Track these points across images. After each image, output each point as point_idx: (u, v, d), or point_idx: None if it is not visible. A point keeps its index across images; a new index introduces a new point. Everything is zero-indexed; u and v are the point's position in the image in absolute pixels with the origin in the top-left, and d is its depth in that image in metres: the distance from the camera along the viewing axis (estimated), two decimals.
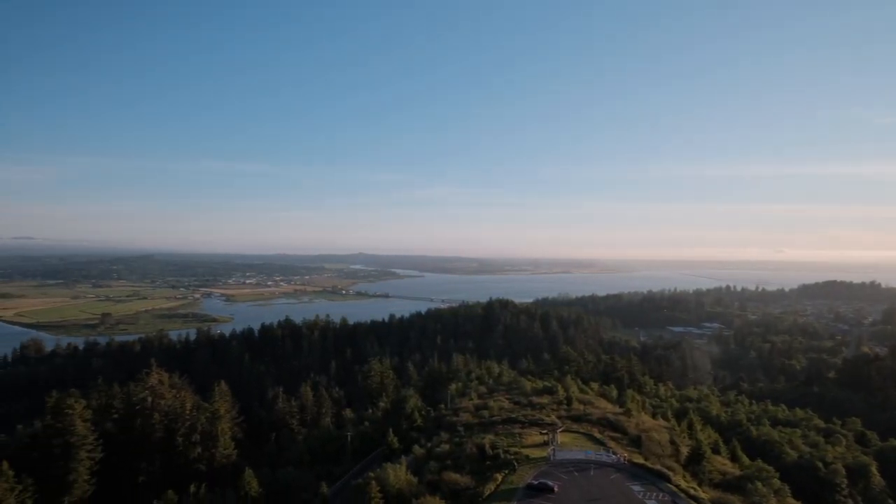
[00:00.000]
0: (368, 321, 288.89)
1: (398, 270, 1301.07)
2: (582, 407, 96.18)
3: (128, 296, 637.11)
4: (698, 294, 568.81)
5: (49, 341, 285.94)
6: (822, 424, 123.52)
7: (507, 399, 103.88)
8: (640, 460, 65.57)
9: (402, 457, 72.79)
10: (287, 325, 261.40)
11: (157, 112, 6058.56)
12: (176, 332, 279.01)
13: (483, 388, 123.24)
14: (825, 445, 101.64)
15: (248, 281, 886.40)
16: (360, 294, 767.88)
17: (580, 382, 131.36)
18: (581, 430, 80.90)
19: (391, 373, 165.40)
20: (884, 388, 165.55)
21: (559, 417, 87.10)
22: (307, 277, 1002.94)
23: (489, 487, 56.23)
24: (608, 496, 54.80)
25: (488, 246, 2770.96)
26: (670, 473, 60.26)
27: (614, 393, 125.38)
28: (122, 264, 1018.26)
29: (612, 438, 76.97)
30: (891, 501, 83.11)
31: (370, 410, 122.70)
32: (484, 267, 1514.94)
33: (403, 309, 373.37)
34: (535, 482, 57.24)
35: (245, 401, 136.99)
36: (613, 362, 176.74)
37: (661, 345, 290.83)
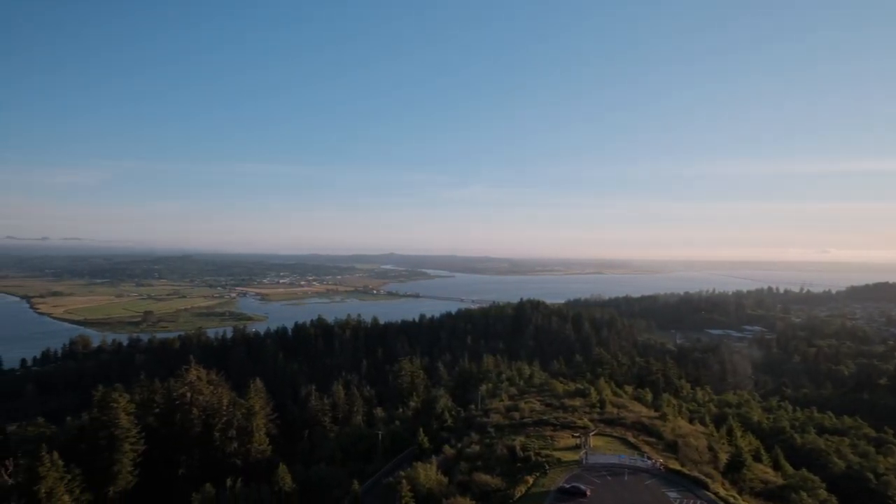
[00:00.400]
0: (399, 321, 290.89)
1: (428, 270, 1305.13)
2: (615, 410, 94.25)
3: (168, 294, 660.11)
4: (738, 296, 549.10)
5: (95, 338, 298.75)
6: (872, 433, 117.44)
7: (539, 401, 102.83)
8: (677, 466, 63.68)
9: (433, 456, 72.83)
10: (319, 324, 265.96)
11: (196, 117, 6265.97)
12: (213, 330, 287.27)
13: (514, 390, 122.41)
14: (876, 455, 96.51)
15: (281, 281, 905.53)
16: (390, 294, 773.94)
17: (613, 385, 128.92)
18: (614, 434, 79.22)
19: (421, 372, 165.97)
20: None
21: (592, 420, 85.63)
22: (339, 277, 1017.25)
23: (520, 490, 55.62)
24: (643, 502, 53.39)
25: (519, 246, 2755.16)
26: (708, 481, 58.25)
27: (649, 397, 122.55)
28: (162, 264, 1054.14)
29: (647, 443, 75.13)
30: None
31: (401, 410, 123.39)
32: (515, 267, 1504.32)
33: (434, 309, 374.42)
34: (567, 486, 56.31)
35: (279, 398, 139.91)
36: (648, 365, 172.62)
37: (699, 348, 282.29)
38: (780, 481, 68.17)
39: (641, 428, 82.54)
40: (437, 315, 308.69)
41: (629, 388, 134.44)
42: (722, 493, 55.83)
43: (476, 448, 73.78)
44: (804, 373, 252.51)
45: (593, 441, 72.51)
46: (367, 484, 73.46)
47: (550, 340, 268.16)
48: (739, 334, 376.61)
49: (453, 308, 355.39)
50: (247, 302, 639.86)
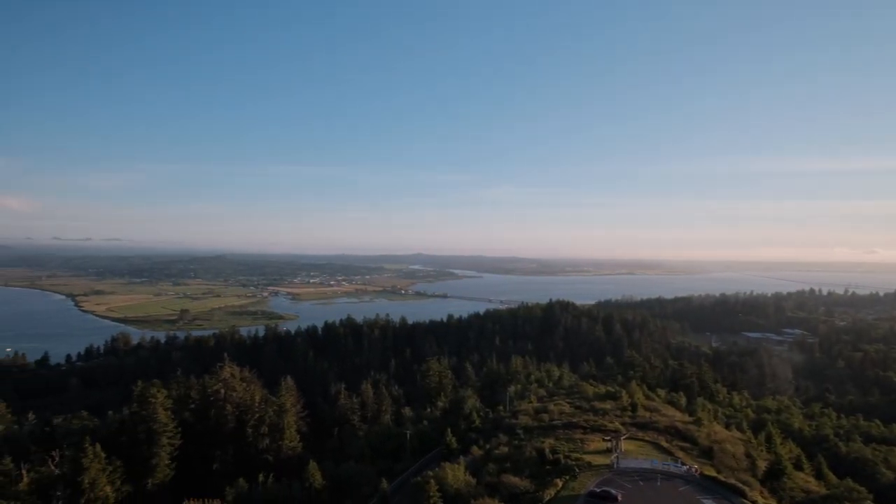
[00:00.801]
0: (427, 321, 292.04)
1: (456, 271, 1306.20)
2: (648, 414, 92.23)
3: (203, 293, 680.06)
4: (778, 298, 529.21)
5: (135, 335, 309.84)
6: None
7: (568, 403, 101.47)
8: (713, 473, 61.76)
9: (461, 457, 72.71)
10: (349, 323, 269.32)
11: (231, 121, 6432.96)
12: (246, 329, 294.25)
13: (542, 391, 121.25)
14: None
15: (312, 280, 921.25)
16: (418, 294, 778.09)
17: (646, 388, 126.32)
18: (647, 439, 77.50)
19: (449, 373, 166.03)
20: None
21: (623, 424, 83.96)
22: (368, 277, 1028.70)
23: (549, 493, 54.91)
24: None
25: (548, 246, 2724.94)
26: (746, 489, 56.27)
27: (683, 401, 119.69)
28: (198, 264, 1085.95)
29: (681, 448, 73.15)
30: None
31: (429, 409, 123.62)
32: (544, 268, 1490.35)
33: (462, 309, 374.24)
34: (598, 490, 55.29)
35: (309, 396, 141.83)
36: (682, 368, 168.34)
37: (736, 351, 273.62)
38: (823, 491, 65.30)
39: (675, 433, 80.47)
40: (464, 315, 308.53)
41: (662, 392, 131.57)
42: (760, 501, 53.93)
43: (504, 449, 73.31)
44: (849, 379, 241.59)
45: (624, 445, 71.03)
46: (395, 482, 73.81)
47: (580, 342, 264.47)
48: (779, 337, 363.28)
49: (481, 308, 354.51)
50: (278, 301, 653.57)
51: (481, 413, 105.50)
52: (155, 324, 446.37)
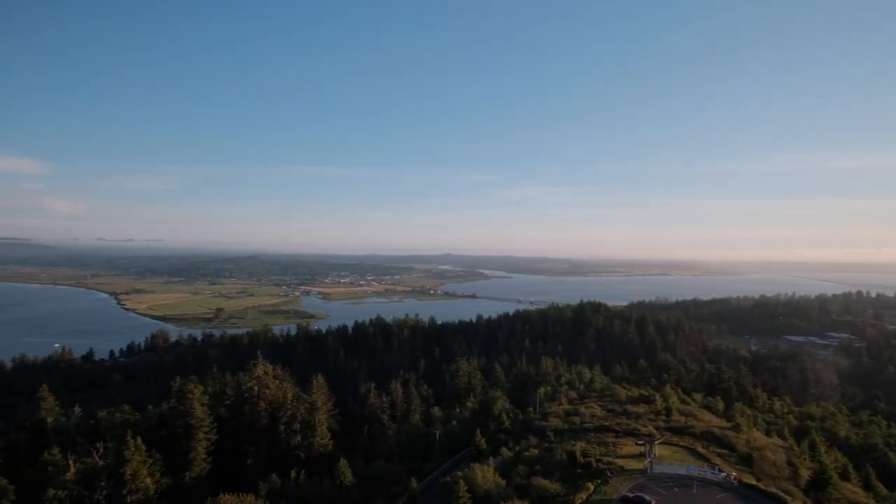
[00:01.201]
0: (456, 321, 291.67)
1: (486, 271, 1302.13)
2: (683, 419, 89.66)
3: (238, 292, 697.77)
4: (822, 300, 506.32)
5: (173, 332, 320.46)
6: None
7: (600, 406, 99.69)
8: (752, 481, 59.48)
9: (490, 458, 72.26)
10: (378, 323, 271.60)
11: (264, 123, 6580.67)
12: (279, 328, 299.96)
13: (573, 394, 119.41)
14: None
15: (342, 280, 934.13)
16: (447, 294, 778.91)
17: (681, 392, 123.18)
18: (682, 444, 75.33)
19: (478, 373, 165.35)
20: None
21: (657, 428, 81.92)
22: (397, 277, 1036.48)
23: (580, 496, 53.95)
24: None
25: (579, 246, 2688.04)
26: (788, 498, 53.94)
27: (720, 406, 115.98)
28: (232, 264, 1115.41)
29: (718, 455, 70.80)
30: None
31: (458, 410, 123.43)
32: (574, 268, 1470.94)
33: (491, 310, 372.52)
34: (631, 495, 53.98)
35: (340, 394, 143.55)
36: (719, 372, 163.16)
37: (777, 355, 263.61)
38: (871, 502, 62.15)
39: (712, 438, 77.99)
40: (494, 316, 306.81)
41: (698, 396, 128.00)
42: None
43: (534, 451, 72.55)
44: None
45: (658, 450, 69.27)
46: (424, 482, 73.91)
47: (612, 344, 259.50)
48: (823, 341, 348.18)
49: (510, 309, 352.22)
50: (310, 300, 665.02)
51: (511, 414, 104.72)
52: (192, 322, 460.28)
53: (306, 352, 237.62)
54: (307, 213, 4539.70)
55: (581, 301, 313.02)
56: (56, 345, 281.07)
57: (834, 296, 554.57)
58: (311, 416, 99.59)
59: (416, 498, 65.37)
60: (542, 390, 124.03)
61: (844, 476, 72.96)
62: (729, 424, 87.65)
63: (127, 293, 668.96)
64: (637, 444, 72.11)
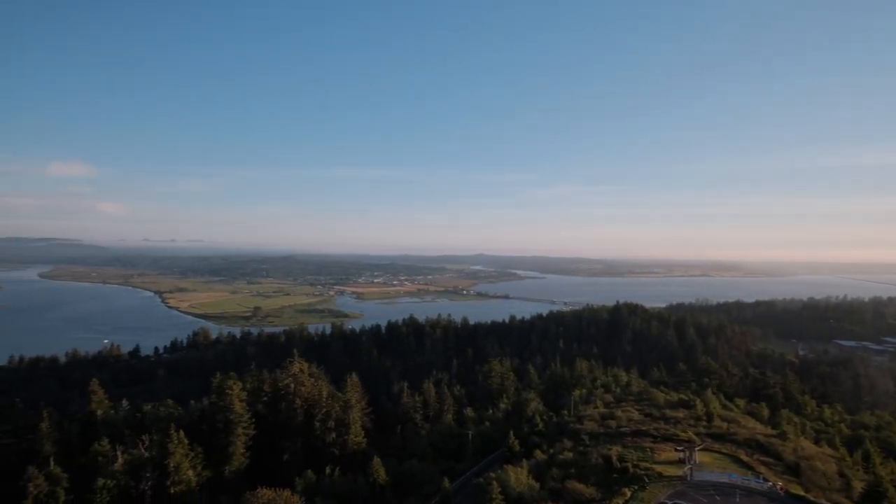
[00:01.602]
0: (489, 321, 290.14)
1: (519, 271, 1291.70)
2: (725, 425, 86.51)
3: (275, 292, 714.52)
4: (877, 303, 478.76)
5: (214, 330, 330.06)
6: None
7: (637, 410, 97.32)
8: (800, 492, 56.72)
9: (524, 460, 71.45)
10: (411, 322, 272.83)
11: (299, 126, 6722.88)
12: (314, 326, 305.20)
13: (609, 397, 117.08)
14: None
15: (375, 280, 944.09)
16: (480, 294, 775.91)
17: (722, 398, 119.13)
18: (724, 451, 72.57)
19: (511, 374, 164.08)
20: None
21: (697, 434, 79.23)
22: (430, 277, 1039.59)
23: (616, 502, 52.71)
24: None
25: (614, 246, 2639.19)
26: None
27: (765, 412, 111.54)
28: (269, 264, 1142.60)
29: (763, 463, 67.81)
30: None
31: (490, 411, 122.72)
32: (610, 269, 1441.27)
33: (524, 310, 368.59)
34: (670, 502, 52.29)
35: (373, 393, 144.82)
36: (764, 377, 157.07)
37: (827, 360, 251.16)
38: None
39: (756, 446, 74.86)
40: (527, 316, 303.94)
41: (741, 402, 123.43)
42: None
43: (569, 455, 71.29)
44: None
45: (699, 456, 66.86)
46: (457, 482, 73.67)
47: (650, 347, 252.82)
48: (878, 347, 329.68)
49: (544, 310, 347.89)
50: (344, 300, 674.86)
51: (544, 416, 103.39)
52: (231, 320, 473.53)
53: (340, 350, 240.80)
54: (341, 214, 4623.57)
55: (617, 302, 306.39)
56: (105, 340, 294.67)
57: (889, 298, 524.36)
58: (345, 413, 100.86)
59: (448, 498, 65.19)
60: (576, 393, 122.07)
61: None
62: (775, 432, 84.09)
63: (170, 292, 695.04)
64: (676, 449, 69.87)
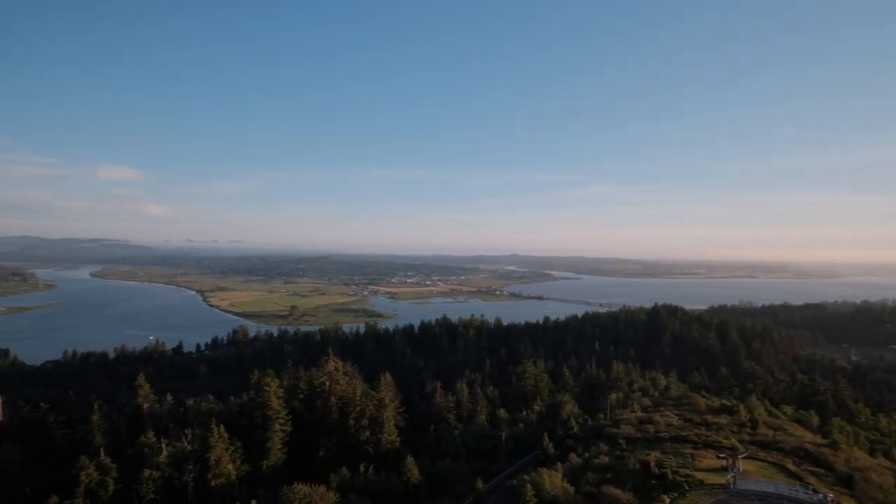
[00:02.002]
0: (522, 322, 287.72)
1: (553, 272, 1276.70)
2: (771, 433, 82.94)
3: (310, 291, 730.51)
4: None
5: (252, 328, 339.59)
6: None
7: (676, 415, 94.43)
8: None
9: (558, 463, 70.39)
10: (444, 322, 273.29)
11: (335, 128, 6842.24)
12: (348, 326, 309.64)
13: (647, 401, 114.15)
14: None
15: (408, 280, 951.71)
16: (513, 295, 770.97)
17: (768, 404, 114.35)
18: (769, 460, 69.65)
19: (546, 376, 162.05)
20: None
21: (741, 442, 76.24)
22: (463, 277, 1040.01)
23: None
24: None
25: (652, 247, 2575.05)
26: None
27: (814, 420, 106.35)
28: (305, 264, 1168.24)
29: (812, 473, 64.63)
30: None
31: (524, 412, 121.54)
32: (647, 269, 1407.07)
33: (558, 311, 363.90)
34: None
35: (406, 392, 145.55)
36: (813, 384, 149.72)
37: (882, 366, 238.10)
38: None
39: (804, 455, 71.39)
40: (561, 318, 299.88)
41: (788, 409, 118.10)
42: None
43: (605, 459, 69.83)
44: None
45: (743, 465, 64.35)
46: (490, 483, 73.26)
47: (690, 350, 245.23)
48: None
49: (579, 311, 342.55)
50: (377, 300, 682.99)
51: (580, 419, 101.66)
52: (268, 318, 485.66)
53: (374, 350, 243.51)
54: (375, 215, 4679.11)
55: (655, 304, 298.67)
56: (151, 337, 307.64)
57: None
58: (379, 412, 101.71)
59: (482, 499, 64.90)
60: (612, 396, 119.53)
61: None
62: (825, 441, 79.97)
63: (211, 291, 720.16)
64: (718, 457, 67.44)
